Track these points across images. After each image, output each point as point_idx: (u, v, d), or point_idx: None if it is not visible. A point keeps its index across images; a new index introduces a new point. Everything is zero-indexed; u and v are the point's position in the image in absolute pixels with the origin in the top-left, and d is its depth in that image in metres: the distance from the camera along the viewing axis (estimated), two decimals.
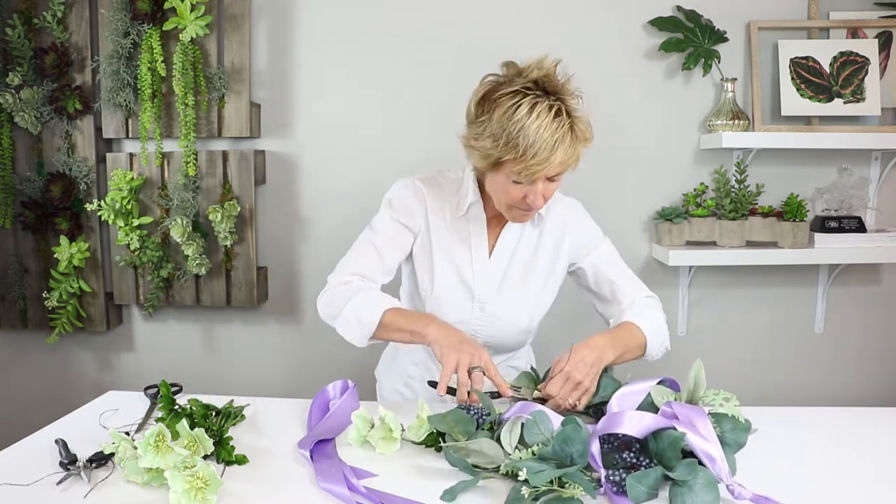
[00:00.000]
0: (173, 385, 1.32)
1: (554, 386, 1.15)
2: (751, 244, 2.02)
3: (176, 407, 1.10)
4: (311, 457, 1.02)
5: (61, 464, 0.99)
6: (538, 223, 1.38)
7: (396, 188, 1.40)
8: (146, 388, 1.32)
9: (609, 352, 1.21)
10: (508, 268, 1.37)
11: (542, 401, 1.15)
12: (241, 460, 1.03)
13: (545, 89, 1.17)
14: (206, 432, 1.00)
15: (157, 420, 1.08)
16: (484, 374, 1.13)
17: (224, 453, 1.02)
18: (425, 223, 1.37)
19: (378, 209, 1.40)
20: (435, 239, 1.37)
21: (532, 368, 1.30)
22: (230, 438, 1.05)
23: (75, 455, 1.01)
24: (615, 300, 1.38)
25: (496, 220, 1.38)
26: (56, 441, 1.06)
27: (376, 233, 1.36)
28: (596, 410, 1.17)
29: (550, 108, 1.15)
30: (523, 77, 1.18)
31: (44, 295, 2.12)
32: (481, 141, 1.19)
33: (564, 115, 1.16)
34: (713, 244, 2.03)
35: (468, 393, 1.12)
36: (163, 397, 1.09)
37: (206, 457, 0.99)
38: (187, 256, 2.05)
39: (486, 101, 1.20)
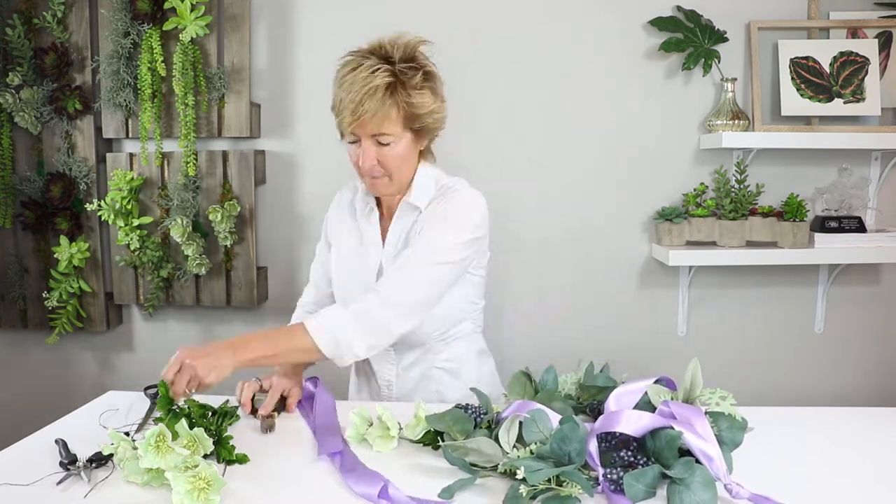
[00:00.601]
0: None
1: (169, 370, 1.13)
2: (751, 244, 2.02)
3: (174, 407, 1.10)
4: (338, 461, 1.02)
5: (61, 464, 0.99)
6: (418, 218, 1.36)
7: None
8: (146, 388, 1.32)
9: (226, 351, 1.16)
10: (398, 254, 1.35)
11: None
12: (242, 459, 1.03)
13: (378, 54, 1.25)
14: (206, 432, 1.00)
15: (156, 420, 1.08)
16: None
17: (224, 452, 1.02)
18: (332, 227, 1.50)
19: None
20: (333, 236, 1.48)
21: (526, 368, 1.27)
22: (230, 437, 1.05)
23: (75, 455, 1.01)
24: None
25: (390, 212, 1.41)
26: (56, 441, 1.06)
27: (319, 247, 1.54)
28: (593, 409, 1.17)
29: (372, 66, 1.22)
30: (368, 46, 1.27)
31: (44, 295, 2.12)
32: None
33: (384, 73, 1.21)
34: (713, 244, 2.03)
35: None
36: (161, 398, 1.09)
37: (205, 456, 0.98)
38: (187, 256, 2.05)
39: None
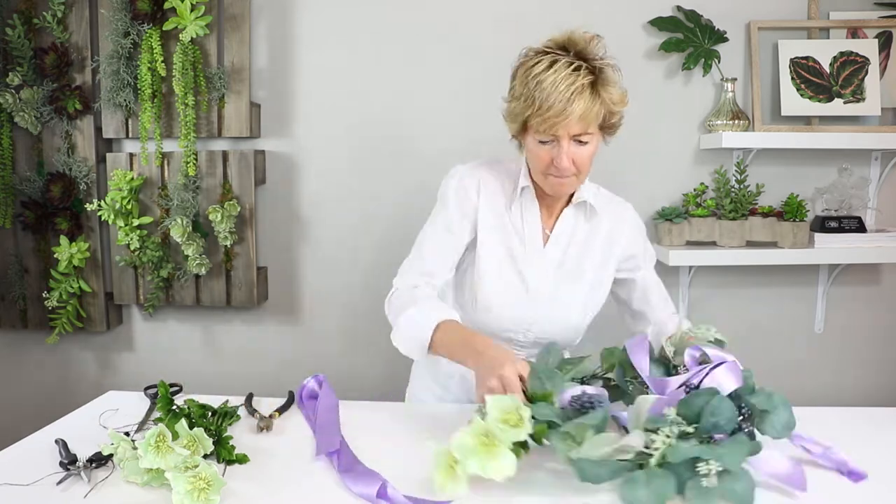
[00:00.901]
0: (173, 385, 1.32)
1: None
2: (751, 244, 2.02)
3: (174, 407, 1.10)
4: (337, 461, 1.02)
5: (61, 464, 0.99)
6: (590, 216, 1.36)
7: (456, 176, 1.35)
8: (146, 388, 1.32)
9: None
10: (564, 258, 1.34)
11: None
12: (242, 459, 1.03)
13: (569, 50, 1.20)
14: (205, 432, 1.00)
15: (156, 420, 1.08)
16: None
17: (224, 452, 1.02)
18: (486, 214, 1.33)
19: (439, 198, 1.36)
20: (486, 227, 1.32)
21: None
22: (230, 438, 1.05)
23: (75, 455, 1.01)
24: (645, 320, 1.42)
25: (549, 210, 1.35)
26: (56, 441, 1.06)
27: (439, 228, 1.32)
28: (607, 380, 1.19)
29: (570, 64, 1.16)
30: (552, 42, 1.22)
31: (44, 295, 2.12)
32: (510, 105, 1.24)
33: (584, 71, 1.17)
34: (713, 244, 2.03)
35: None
36: (160, 398, 1.09)
37: (205, 456, 0.98)
38: (187, 256, 2.05)
39: (518, 68, 1.24)
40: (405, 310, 1.21)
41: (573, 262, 1.34)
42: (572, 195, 1.34)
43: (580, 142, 1.21)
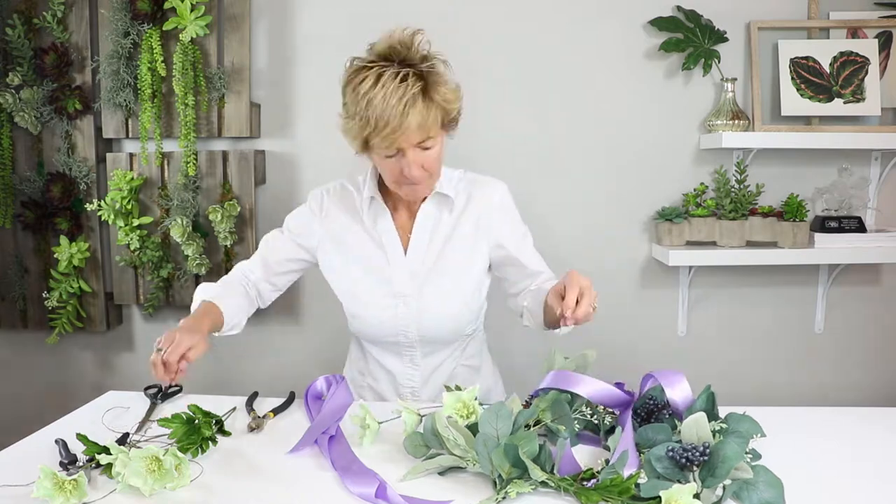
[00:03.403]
0: (173, 385, 1.32)
1: (570, 300, 1.08)
2: (751, 244, 2.02)
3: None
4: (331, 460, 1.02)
5: (61, 464, 0.99)
6: (452, 209, 1.36)
7: (299, 208, 1.44)
8: (146, 388, 1.32)
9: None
10: (426, 258, 1.35)
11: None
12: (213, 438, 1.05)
13: (392, 59, 1.18)
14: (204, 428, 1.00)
15: (160, 422, 1.07)
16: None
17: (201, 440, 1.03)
18: (326, 233, 1.39)
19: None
20: (342, 245, 1.38)
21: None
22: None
23: (75, 455, 1.01)
24: (526, 287, 1.36)
25: (410, 211, 1.37)
26: (56, 441, 1.06)
27: (277, 239, 1.43)
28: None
29: (396, 75, 1.15)
30: (372, 52, 1.21)
31: (44, 295, 2.12)
32: (346, 123, 1.23)
33: (412, 79, 1.15)
34: (713, 244, 2.03)
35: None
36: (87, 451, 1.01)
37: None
38: (187, 256, 2.05)
39: (346, 86, 1.22)
40: (208, 285, 1.37)
41: (438, 257, 1.35)
42: None
43: (424, 148, 1.22)
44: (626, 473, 0.89)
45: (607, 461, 0.94)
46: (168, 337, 1.16)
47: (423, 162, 1.22)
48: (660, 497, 0.83)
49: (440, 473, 0.98)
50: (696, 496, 0.83)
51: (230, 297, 1.35)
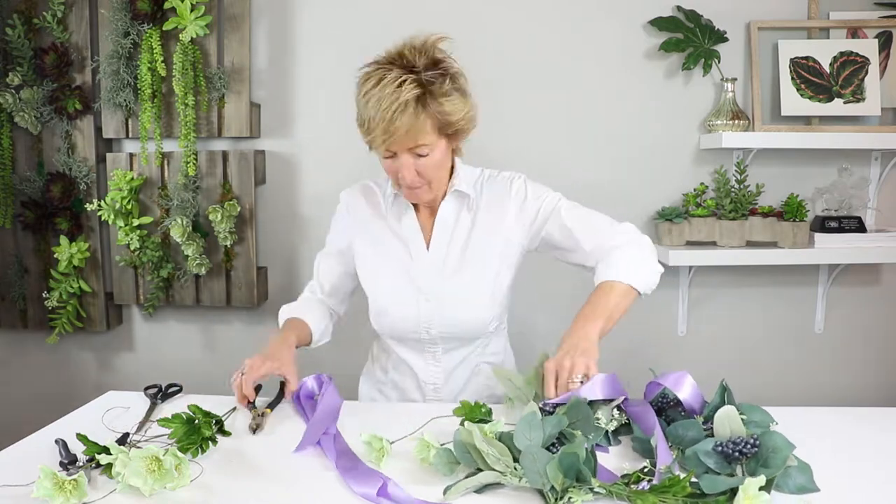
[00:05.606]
0: (173, 385, 1.32)
1: (549, 388, 1.11)
2: (751, 244, 2.02)
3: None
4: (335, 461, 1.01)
5: (61, 464, 0.99)
6: (471, 206, 1.37)
7: (333, 216, 1.49)
8: (146, 388, 1.32)
9: (592, 327, 1.18)
10: (448, 254, 1.35)
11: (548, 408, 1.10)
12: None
13: (399, 63, 1.18)
14: (204, 428, 1.00)
15: (160, 422, 1.07)
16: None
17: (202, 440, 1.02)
18: (355, 223, 1.43)
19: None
20: (368, 235, 1.41)
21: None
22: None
23: (75, 455, 1.01)
24: (580, 249, 1.34)
25: (429, 211, 1.38)
26: (56, 441, 1.06)
27: (326, 250, 1.49)
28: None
29: (396, 79, 1.15)
30: (385, 54, 1.22)
31: (44, 295, 2.12)
32: (357, 121, 1.24)
33: (410, 85, 1.15)
34: (713, 244, 2.03)
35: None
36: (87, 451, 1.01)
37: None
38: (187, 256, 2.05)
39: (358, 82, 1.23)
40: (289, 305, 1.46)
41: (458, 256, 1.35)
42: None
43: (419, 155, 1.22)
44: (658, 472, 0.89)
45: (653, 464, 0.92)
46: (251, 361, 1.24)
47: (417, 168, 1.23)
48: (727, 492, 0.82)
49: (477, 491, 0.92)
50: (762, 488, 0.82)
51: (311, 311, 1.43)
